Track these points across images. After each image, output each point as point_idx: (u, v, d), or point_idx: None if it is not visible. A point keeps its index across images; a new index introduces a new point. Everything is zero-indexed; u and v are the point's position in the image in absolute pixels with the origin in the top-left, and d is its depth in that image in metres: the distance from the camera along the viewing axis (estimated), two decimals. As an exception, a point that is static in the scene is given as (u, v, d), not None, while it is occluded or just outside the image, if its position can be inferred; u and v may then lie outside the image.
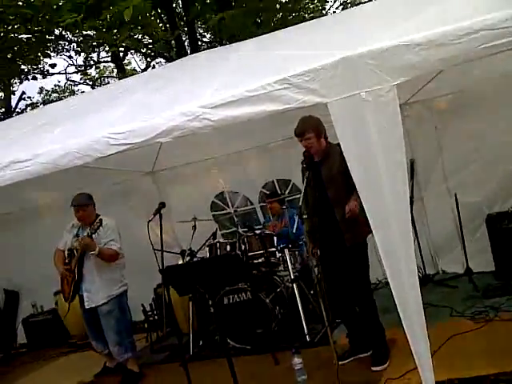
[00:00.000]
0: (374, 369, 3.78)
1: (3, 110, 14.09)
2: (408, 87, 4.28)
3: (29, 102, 15.60)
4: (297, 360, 3.88)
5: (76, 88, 17.69)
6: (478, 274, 5.24)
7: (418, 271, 5.28)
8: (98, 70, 18.19)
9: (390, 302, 3.02)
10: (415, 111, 5.34)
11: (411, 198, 5.11)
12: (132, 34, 11.29)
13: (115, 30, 9.27)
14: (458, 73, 4.10)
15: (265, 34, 4.97)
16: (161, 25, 12.23)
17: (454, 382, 3.28)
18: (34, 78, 12.03)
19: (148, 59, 15.59)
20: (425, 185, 5.65)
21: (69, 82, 16.97)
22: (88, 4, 8.01)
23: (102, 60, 16.14)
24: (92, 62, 15.20)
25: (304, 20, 12.47)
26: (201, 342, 5.18)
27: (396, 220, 2.90)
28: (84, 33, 10.25)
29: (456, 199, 5.28)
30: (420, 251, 5.41)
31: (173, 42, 12.16)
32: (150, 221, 4.52)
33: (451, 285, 5.24)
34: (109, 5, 8.17)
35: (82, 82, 17.46)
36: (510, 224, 4.97)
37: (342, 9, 15.07)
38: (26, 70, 11.34)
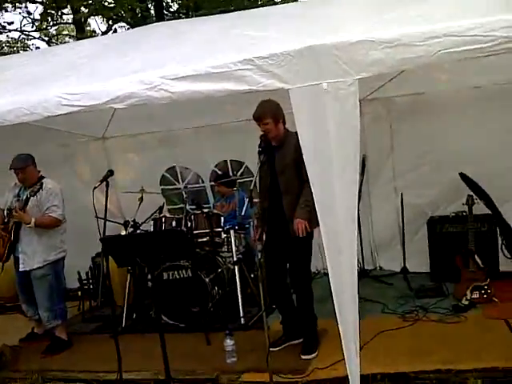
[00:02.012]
0: (303, 357, 3.84)
1: None
2: (368, 83, 4.31)
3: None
4: (229, 342, 3.92)
5: (30, 42, 16.91)
6: (414, 274, 5.42)
7: (357, 265, 5.39)
8: (56, 27, 17.44)
9: (327, 293, 3.09)
10: (372, 108, 5.39)
11: (359, 192, 5.18)
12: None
13: None
14: (420, 75, 4.17)
15: (233, 10, 4.89)
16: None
17: (377, 377, 3.37)
18: (-11, 32, 11.41)
19: (110, 22, 15.09)
20: (373, 181, 5.74)
21: (23, 36, 16.19)
22: None
23: (62, 20, 15.50)
24: (50, 19, 14.56)
25: (275, 3, 12.42)
26: (134, 315, 5.11)
27: (342, 211, 2.95)
28: None
29: (401, 199, 5.41)
30: (361, 245, 5.50)
31: (137, 9, 11.82)
32: (95, 187, 4.39)
33: (387, 282, 5.39)
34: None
35: (37, 37, 16.72)
36: (449, 228, 5.15)
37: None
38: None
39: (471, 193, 4.86)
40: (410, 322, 4.23)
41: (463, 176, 4.94)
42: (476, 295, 4.43)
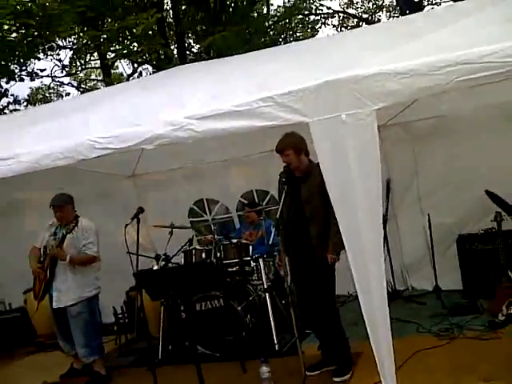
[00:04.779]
0: (335, 380, 3.85)
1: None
2: (388, 110, 4.41)
3: (11, 99, 15.46)
4: (264, 369, 3.92)
5: (61, 89, 17.63)
6: (446, 292, 5.38)
7: (388, 286, 5.38)
8: (84, 72, 18.18)
9: (359, 316, 3.09)
10: (394, 133, 5.46)
11: (385, 216, 5.24)
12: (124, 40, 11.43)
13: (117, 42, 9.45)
14: (438, 99, 4.23)
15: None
16: (150, 32, 12.29)
17: (416, 397, 3.36)
18: (21, 80, 11.94)
19: (135, 65, 15.62)
20: (399, 204, 5.76)
21: (54, 83, 16.90)
22: (87, 17, 8.14)
23: (89, 65, 16.20)
24: (79, 64, 15.19)
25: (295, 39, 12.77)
26: (170, 347, 5.17)
27: (368, 237, 2.98)
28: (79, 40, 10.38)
29: (429, 219, 5.41)
30: (391, 267, 5.53)
31: (161, 51, 12.25)
32: (127, 225, 4.53)
33: (419, 301, 5.36)
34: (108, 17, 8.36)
35: (67, 83, 17.44)
36: (479, 245, 5.14)
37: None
38: (14, 71, 11.29)
39: (499, 210, 4.84)
40: (445, 340, 4.20)
41: (489, 193, 4.93)
42: (512, 311, 4.38)
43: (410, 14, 8.06)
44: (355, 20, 16.10)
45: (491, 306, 4.60)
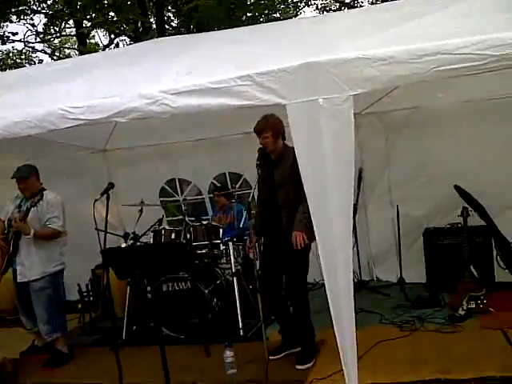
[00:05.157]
0: (297, 367, 3.87)
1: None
2: (364, 98, 4.42)
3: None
4: (228, 353, 3.93)
5: (34, 55, 17.03)
6: (410, 285, 5.47)
7: (354, 276, 5.43)
8: (59, 40, 17.63)
9: (324, 304, 3.14)
10: (369, 122, 5.48)
11: (355, 205, 5.27)
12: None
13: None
14: (415, 90, 4.26)
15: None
16: (129, 2, 11.98)
17: (376, 386, 3.42)
18: (-7, 43, 11.55)
19: (112, 36, 15.22)
20: (369, 194, 5.80)
21: (26, 48, 16.31)
22: None
23: (64, 33, 15.72)
24: (53, 31, 14.72)
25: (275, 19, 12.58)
26: (134, 328, 5.14)
27: (338, 224, 3.01)
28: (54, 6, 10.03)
29: (397, 211, 5.48)
30: (358, 257, 5.58)
31: (139, 22, 11.97)
32: (96, 200, 4.45)
33: (384, 292, 5.44)
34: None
35: (40, 49, 16.87)
36: (444, 240, 5.22)
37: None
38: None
39: (466, 205, 4.93)
40: (407, 332, 4.28)
41: (458, 188, 5.01)
42: (472, 305, 4.48)
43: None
44: (337, 4, 16.01)
45: (452, 300, 4.70)
